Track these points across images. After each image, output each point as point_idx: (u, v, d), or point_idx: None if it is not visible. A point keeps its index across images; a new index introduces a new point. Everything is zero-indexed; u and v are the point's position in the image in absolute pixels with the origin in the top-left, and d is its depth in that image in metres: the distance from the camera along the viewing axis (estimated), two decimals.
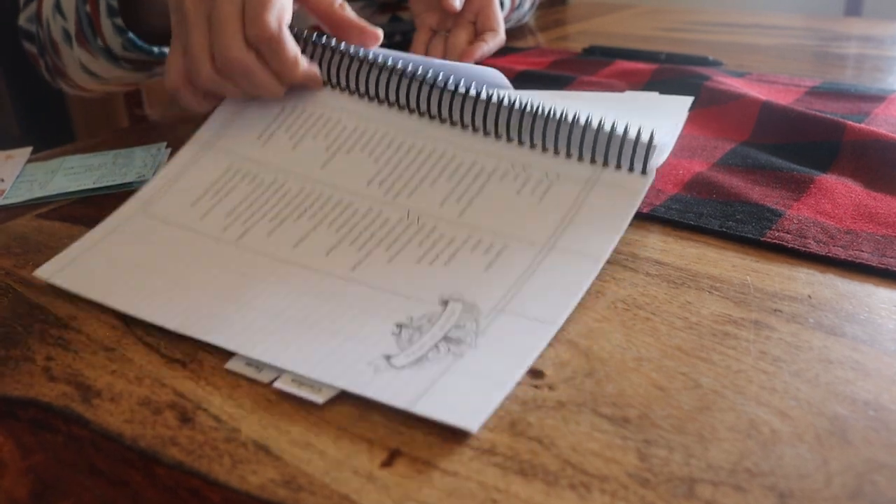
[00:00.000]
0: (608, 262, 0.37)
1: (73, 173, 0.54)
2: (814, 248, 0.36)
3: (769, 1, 2.39)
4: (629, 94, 0.59)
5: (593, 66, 0.75)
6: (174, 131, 0.65)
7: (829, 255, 0.36)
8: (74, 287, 0.38)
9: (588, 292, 0.35)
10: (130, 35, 0.59)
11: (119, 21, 0.59)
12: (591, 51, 0.83)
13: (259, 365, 0.31)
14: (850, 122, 0.49)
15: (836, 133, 0.48)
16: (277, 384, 0.30)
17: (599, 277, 0.36)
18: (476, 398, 0.28)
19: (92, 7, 0.60)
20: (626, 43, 0.91)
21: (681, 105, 0.51)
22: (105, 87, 0.74)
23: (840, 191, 0.42)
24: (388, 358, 0.30)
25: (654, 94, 0.56)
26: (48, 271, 0.39)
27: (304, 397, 0.29)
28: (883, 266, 0.34)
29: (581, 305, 0.34)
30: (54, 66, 0.71)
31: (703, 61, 0.74)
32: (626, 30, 1.00)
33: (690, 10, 1.12)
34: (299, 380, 0.30)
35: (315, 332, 0.32)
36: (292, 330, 0.33)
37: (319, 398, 0.29)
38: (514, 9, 0.84)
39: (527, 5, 0.92)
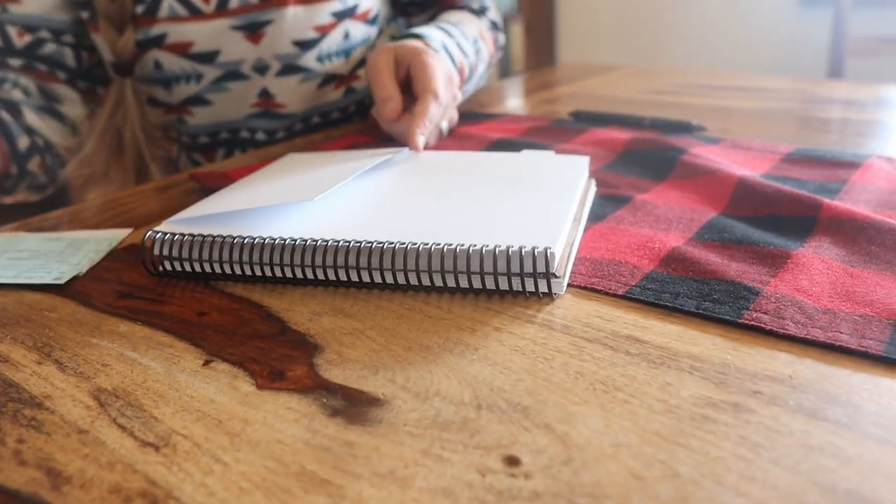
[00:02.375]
0: (588, 339, 0.37)
1: (14, 258, 0.52)
2: (792, 329, 0.36)
3: (754, 63, 2.45)
4: (525, 153, 0.60)
5: (568, 133, 0.76)
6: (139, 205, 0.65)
7: (809, 337, 0.35)
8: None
9: (568, 373, 0.35)
10: None
11: None
12: (577, 115, 0.84)
13: None
14: (826, 200, 0.49)
15: (813, 209, 0.49)
16: None
17: (580, 357, 0.36)
18: None
19: None
20: (612, 106, 0.92)
21: (578, 167, 0.55)
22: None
23: (817, 266, 0.42)
24: None
25: (550, 154, 0.59)
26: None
27: None
28: (863, 349, 0.34)
29: (560, 387, 0.34)
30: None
31: (687, 127, 0.75)
32: (614, 92, 1.02)
33: (677, 71, 1.14)
34: None
35: None
36: None
37: None
38: (463, 81, 0.86)
39: (482, 69, 0.94)
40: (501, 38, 1.03)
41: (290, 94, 0.89)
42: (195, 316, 0.43)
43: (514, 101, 1.02)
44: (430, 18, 0.98)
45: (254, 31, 0.83)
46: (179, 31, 0.81)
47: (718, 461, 0.29)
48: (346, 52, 0.91)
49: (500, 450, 0.30)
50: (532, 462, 0.29)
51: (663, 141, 0.67)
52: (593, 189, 0.57)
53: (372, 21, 0.92)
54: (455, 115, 0.78)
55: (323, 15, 0.86)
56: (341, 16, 0.87)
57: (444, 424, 0.32)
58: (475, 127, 0.82)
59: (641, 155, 0.65)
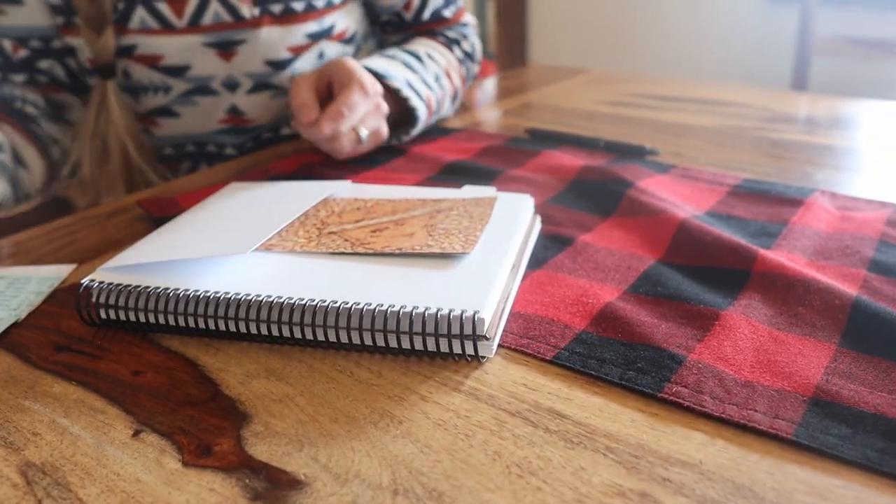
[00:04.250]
0: (511, 413, 0.38)
1: None
2: (709, 406, 0.37)
3: (721, 59, 2.44)
4: (467, 190, 0.60)
5: (522, 156, 0.76)
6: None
7: (724, 415, 0.36)
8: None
9: (486, 453, 0.35)
10: None
11: None
12: (533, 133, 0.84)
13: None
14: (761, 252, 0.50)
15: (747, 262, 0.49)
16: None
17: (500, 434, 0.37)
18: None
19: None
20: (570, 118, 0.92)
21: (522, 208, 0.55)
22: None
23: (743, 330, 0.43)
24: None
25: (492, 192, 0.59)
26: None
27: None
28: (774, 431, 0.35)
29: (476, 470, 0.34)
30: None
31: (639, 151, 0.75)
32: (573, 103, 1.02)
33: (636, 79, 1.14)
34: None
35: None
36: None
37: None
38: (431, 114, 0.86)
39: (448, 104, 0.92)
40: (475, 68, 1.00)
41: (260, 110, 0.88)
42: (130, 375, 0.43)
43: (476, 110, 1.02)
44: (402, 41, 0.97)
45: (226, 49, 0.83)
46: (149, 44, 0.81)
47: None
48: None
49: None
50: None
51: (613, 172, 0.67)
52: (538, 227, 0.57)
53: (349, 40, 0.92)
54: (384, 129, 0.76)
55: (298, 36, 0.85)
56: (317, 37, 0.87)
57: None
58: (429, 145, 0.82)
59: (590, 186, 0.66)
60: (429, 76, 0.86)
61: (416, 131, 0.83)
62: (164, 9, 0.79)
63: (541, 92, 1.09)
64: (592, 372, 0.40)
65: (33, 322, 0.50)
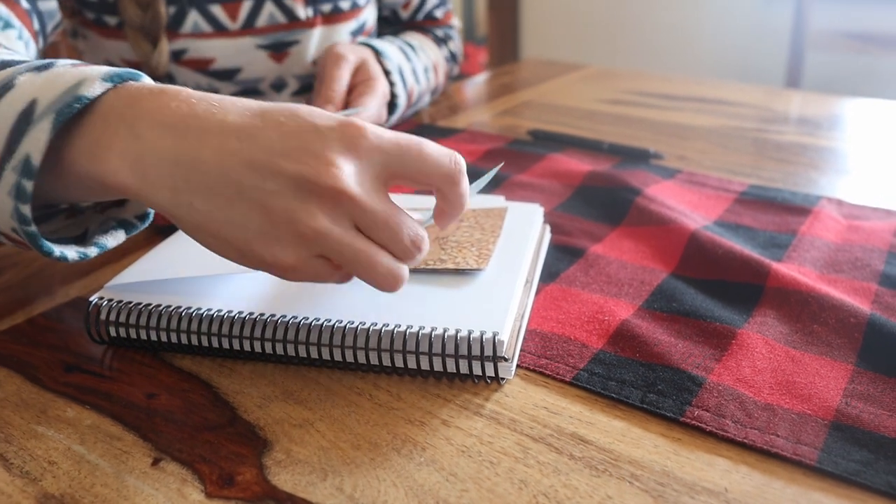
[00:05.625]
0: (534, 438, 0.38)
1: None
2: (731, 431, 0.37)
3: (715, 53, 2.44)
4: (477, 200, 0.60)
5: (526, 160, 0.76)
6: None
7: (746, 441, 0.37)
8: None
9: (512, 482, 0.35)
10: (33, 228, 0.40)
11: (26, 209, 0.39)
12: (536, 134, 0.84)
13: None
14: (773, 266, 0.50)
15: (760, 277, 0.49)
16: None
17: (524, 461, 0.37)
18: None
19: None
20: (570, 118, 0.92)
21: (532, 218, 0.55)
22: None
23: (760, 349, 0.43)
24: None
25: (502, 202, 0.59)
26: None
27: None
28: (797, 457, 0.35)
29: (504, 500, 0.34)
30: None
31: (645, 154, 0.75)
32: (573, 101, 1.01)
33: (635, 74, 1.13)
34: None
35: None
36: None
37: None
38: (410, 105, 0.90)
39: (426, 99, 0.98)
40: (455, 69, 1.06)
41: None
42: (144, 399, 0.43)
43: (474, 108, 1.02)
44: (392, 34, 0.99)
45: (279, 51, 0.82)
46: (200, 48, 0.79)
47: None
48: None
49: None
50: None
51: (619, 178, 0.67)
52: (548, 237, 0.57)
53: (371, 36, 0.94)
54: (384, 114, 0.80)
55: (342, 34, 0.86)
56: (355, 34, 0.88)
57: None
58: None
59: (597, 193, 0.66)
60: (419, 67, 0.90)
61: (393, 119, 0.86)
62: (219, 12, 0.78)
63: (538, 89, 1.09)
64: (613, 395, 0.40)
65: (39, 338, 0.49)
